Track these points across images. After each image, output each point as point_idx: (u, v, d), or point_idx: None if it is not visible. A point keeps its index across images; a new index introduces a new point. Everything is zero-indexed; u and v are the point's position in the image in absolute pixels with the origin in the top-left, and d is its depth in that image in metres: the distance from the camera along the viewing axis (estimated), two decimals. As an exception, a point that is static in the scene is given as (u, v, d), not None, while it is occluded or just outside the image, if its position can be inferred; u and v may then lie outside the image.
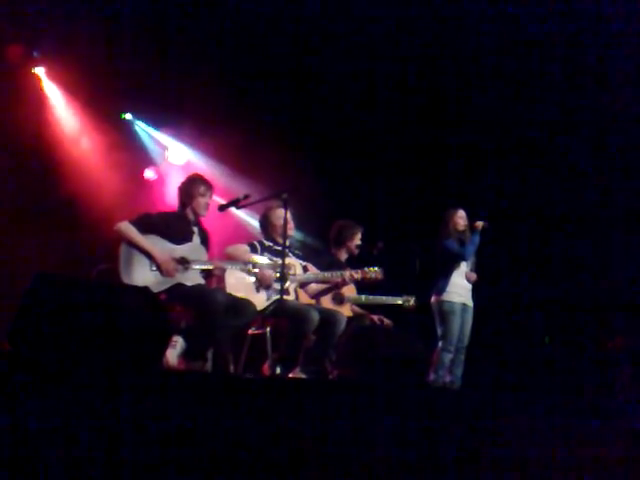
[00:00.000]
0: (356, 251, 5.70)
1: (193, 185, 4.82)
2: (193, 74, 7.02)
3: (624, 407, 4.10)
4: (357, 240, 5.71)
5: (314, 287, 5.32)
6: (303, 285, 5.21)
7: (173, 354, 4.26)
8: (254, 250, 5.06)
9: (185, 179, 4.94)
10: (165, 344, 3.87)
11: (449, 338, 5.96)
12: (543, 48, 6.91)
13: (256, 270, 4.82)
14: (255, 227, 6.72)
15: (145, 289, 3.87)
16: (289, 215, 5.02)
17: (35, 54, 6.79)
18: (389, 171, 7.69)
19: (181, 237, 4.68)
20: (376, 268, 5.29)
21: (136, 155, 7.42)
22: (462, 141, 7.51)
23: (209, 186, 4.85)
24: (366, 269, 5.26)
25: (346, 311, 5.41)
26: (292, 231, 5.18)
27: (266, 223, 5.23)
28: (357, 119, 7.53)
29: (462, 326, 6.05)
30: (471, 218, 6.18)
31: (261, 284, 4.87)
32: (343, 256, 5.71)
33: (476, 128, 7.43)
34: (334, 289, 5.38)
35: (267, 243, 5.15)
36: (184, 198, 4.83)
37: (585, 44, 6.77)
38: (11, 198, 6.26)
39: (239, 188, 6.11)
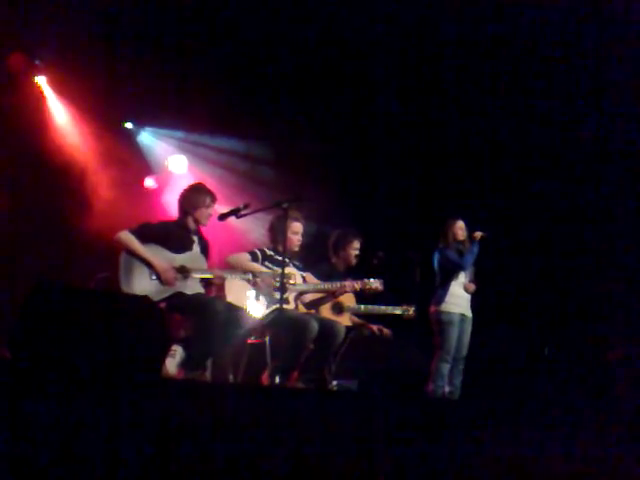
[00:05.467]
0: (354, 260, 5.69)
1: (198, 195, 4.81)
2: (194, 83, 7.04)
3: (623, 416, 4.09)
4: (355, 249, 5.70)
5: (309, 295, 5.32)
6: (301, 294, 5.22)
7: (172, 363, 4.26)
8: (255, 258, 5.06)
9: (189, 188, 4.92)
10: (164, 353, 3.87)
11: (447, 348, 5.95)
12: (544, 55, 6.92)
13: (255, 279, 4.83)
14: (255, 236, 6.74)
15: (145, 298, 3.88)
16: (301, 230, 5.08)
17: (37, 63, 6.80)
18: (389, 180, 7.70)
19: (181, 246, 4.68)
20: (376, 280, 5.29)
21: (137, 164, 7.42)
22: (462, 151, 7.52)
23: (214, 197, 4.86)
24: (366, 280, 5.26)
25: (345, 321, 5.41)
26: (298, 247, 5.18)
27: (273, 231, 5.20)
28: (358, 127, 7.55)
29: (460, 336, 6.04)
30: (470, 228, 6.19)
31: (260, 291, 4.88)
32: (341, 265, 5.71)
33: (476, 138, 7.45)
34: (330, 298, 5.38)
35: (269, 252, 5.15)
36: (187, 207, 4.81)
37: (585, 47, 6.78)
38: (11, 205, 6.26)
39: (240, 196, 6.11)
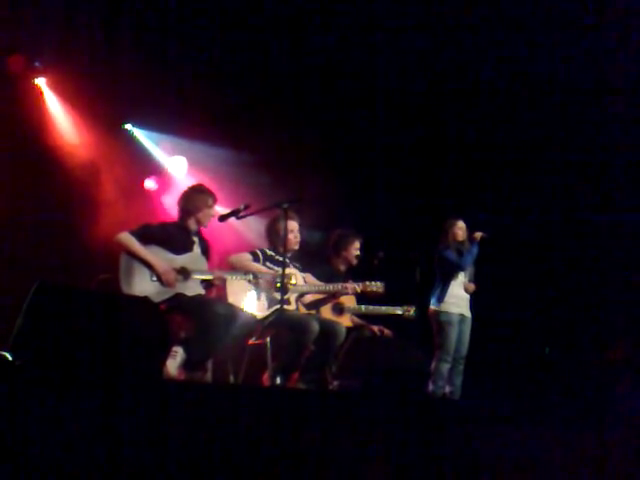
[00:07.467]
0: (354, 261, 5.69)
1: (201, 197, 4.82)
2: (194, 84, 7.04)
3: (623, 415, 4.10)
4: (355, 249, 5.71)
5: (309, 296, 5.32)
6: (302, 295, 5.22)
7: (173, 364, 4.25)
8: (256, 259, 5.07)
9: (190, 189, 4.93)
10: (165, 354, 3.87)
11: (446, 348, 5.96)
12: (545, 58, 6.93)
13: (257, 280, 4.83)
14: (254, 236, 6.75)
15: (145, 299, 3.88)
16: (297, 227, 5.08)
17: (36, 64, 6.79)
18: (389, 181, 7.70)
19: (181, 247, 4.68)
20: (378, 282, 5.29)
21: (136, 165, 7.42)
22: (462, 151, 7.52)
23: (215, 198, 4.87)
24: (367, 282, 5.26)
25: (346, 321, 5.42)
26: (297, 245, 5.19)
27: (272, 232, 5.21)
28: (357, 128, 7.55)
29: (460, 337, 6.05)
30: (470, 229, 6.19)
31: (261, 291, 4.88)
32: (342, 266, 5.71)
33: (476, 139, 7.45)
34: (331, 299, 5.38)
35: (269, 252, 5.16)
36: (189, 208, 4.81)
37: (584, 53, 6.79)
38: (11, 207, 6.26)
39: (240, 197, 6.11)
